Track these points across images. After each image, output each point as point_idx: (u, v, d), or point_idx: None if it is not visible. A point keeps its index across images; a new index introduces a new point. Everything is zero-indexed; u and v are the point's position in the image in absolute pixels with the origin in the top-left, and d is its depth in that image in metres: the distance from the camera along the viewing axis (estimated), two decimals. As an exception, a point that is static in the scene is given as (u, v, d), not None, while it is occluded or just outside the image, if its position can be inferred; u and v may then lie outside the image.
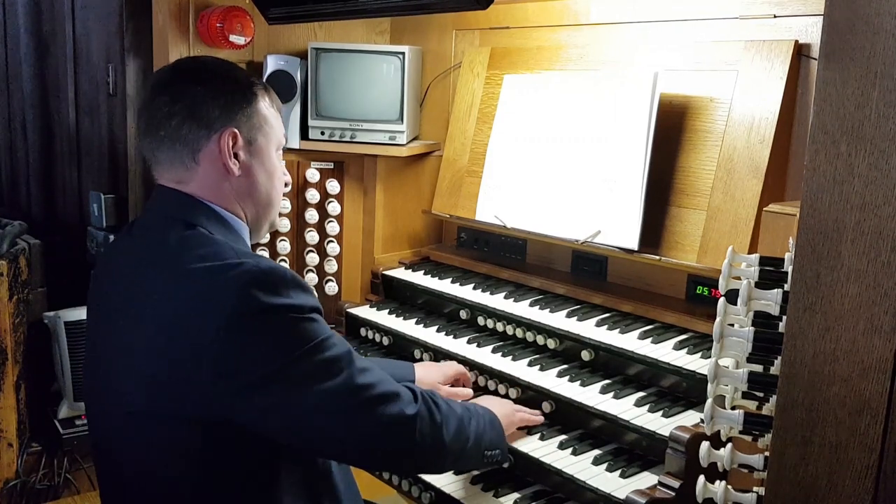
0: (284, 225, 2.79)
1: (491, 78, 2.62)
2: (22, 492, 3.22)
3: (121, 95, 3.44)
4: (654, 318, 2.14)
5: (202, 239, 1.49)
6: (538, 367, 2.11)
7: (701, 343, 1.99)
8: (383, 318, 2.56)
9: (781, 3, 1.99)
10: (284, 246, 2.78)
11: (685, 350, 1.97)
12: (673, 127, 2.14)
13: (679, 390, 1.95)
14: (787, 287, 1.20)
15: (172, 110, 1.54)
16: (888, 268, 0.96)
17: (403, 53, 2.67)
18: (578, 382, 2.01)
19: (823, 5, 1.00)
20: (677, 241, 2.09)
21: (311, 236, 2.82)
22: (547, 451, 1.89)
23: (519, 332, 2.26)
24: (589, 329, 2.12)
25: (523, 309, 2.28)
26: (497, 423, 1.81)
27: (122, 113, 3.44)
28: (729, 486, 1.36)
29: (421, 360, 2.35)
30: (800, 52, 1.97)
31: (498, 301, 2.36)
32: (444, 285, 2.52)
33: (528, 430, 1.98)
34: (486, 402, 1.92)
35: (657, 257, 2.10)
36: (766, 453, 1.25)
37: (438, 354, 2.31)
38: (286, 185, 1.75)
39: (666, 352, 1.98)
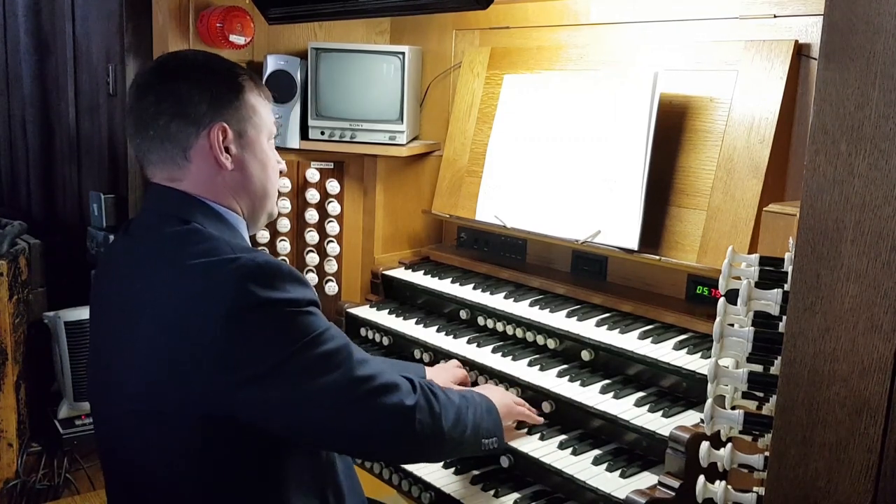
0: (284, 225, 2.79)
1: (491, 78, 2.62)
2: (22, 492, 3.22)
3: (121, 95, 3.44)
4: (654, 318, 2.14)
5: (198, 235, 1.49)
6: (538, 367, 2.11)
7: (701, 343, 1.99)
8: (383, 318, 2.56)
9: (781, 3, 1.99)
10: (284, 246, 2.78)
11: (685, 350, 1.97)
12: (673, 127, 2.14)
13: (679, 390, 1.95)
14: (787, 287, 1.20)
15: (159, 109, 1.53)
16: (888, 268, 0.96)
17: (403, 53, 2.67)
18: (578, 382, 2.01)
19: (823, 5, 1.00)
20: (677, 241, 2.09)
21: (311, 236, 2.82)
22: (547, 451, 1.90)
23: (519, 332, 2.26)
24: (589, 329, 2.12)
25: (523, 309, 2.28)
26: (494, 411, 1.82)
27: (122, 113, 3.43)
28: (729, 486, 1.36)
29: (421, 360, 2.35)
30: (800, 52, 1.97)
31: (498, 301, 2.36)
32: (444, 285, 2.53)
33: (529, 429, 1.98)
34: (486, 391, 1.93)
35: (657, 257, 2.10)
36: (766, 453, 1.25)
37: (438, 354, 2.31)
38: (281, 172, 1.73)
39: (666, 352, 1.98)
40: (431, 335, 2.38)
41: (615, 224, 2.15)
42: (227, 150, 1.57)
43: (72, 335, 3.26)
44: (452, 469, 1.96)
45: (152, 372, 1.43)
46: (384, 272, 2.71)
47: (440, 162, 2.75)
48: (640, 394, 1.95)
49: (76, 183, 3.96)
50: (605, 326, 2.12)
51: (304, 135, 2.77)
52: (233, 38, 2.56)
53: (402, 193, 2.88)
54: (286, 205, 2.78)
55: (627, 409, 1.88)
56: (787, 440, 1.08)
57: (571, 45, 2.44)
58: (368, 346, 2.55)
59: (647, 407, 1.87)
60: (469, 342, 2.30)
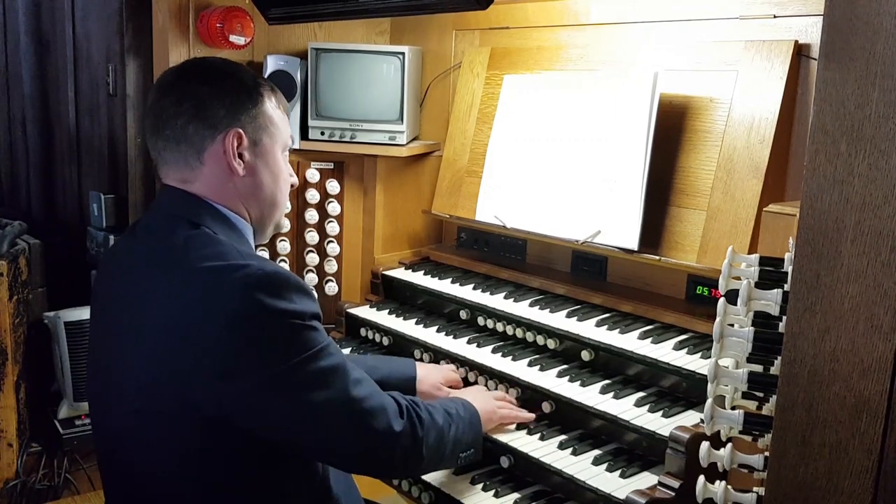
0: (284, 225, 2.79)
1: (491, 78, 2.61)
2: (22, 492, 3.22)
3: (121, 95, 3.44)
4: (653, 319, 2.14)
5: (207, 239, 1.50)
6: (538, 367, 2.11)
7: (701, 343, 1.99)
8: (383, 318, 2.56)
9: (781, 3, 1.99)
10: (284, 246, 2.79)
11: (685, 350, 1.97)
12: (673, 127, 2.14)
13: (679, 390, 1.95)
14: (787, 287, 1.20)
15: (178, 110, 1.55)
16: (888, 268, 0.96)
17: (403, 53, 2.67)
18: (578, 382, 2.01)
19: (823, 5, 1.00)
20: (677, 241, 2.09)
21: (311, 236, 2.82)
22: (547, 451, 1.89)
23: (519, 333, 2.26)
24: (589, 329, 2.12)
25: (523, 309, 2.28)
26: (476, 422, 1.84)
27: (122, 113, 3.43)
28: (729, 487, 1.36)
29: (421, 360, 2.35)
30: (800, 52, 1.97)
31: (498, 301, 2.36)
32: (444, 285, 2.52)
33: (528, 429, 1.98)
34: (471, 394, 1.95)
35: (657, 257, 2.10)
36: (766, 453, 1.25)
37: (438, 355, 2.31)
38: (292, 185, 1.75)
39: (666, 352, 1.98)
40: (431, 335, 2.38)
41: (615, 224, 2.14)
42: (240, 156, 1.58)
43: (72, 335, 3.26)
44: (452, 469, 1.96)
45: (153, 372, 1.44)
46: (384, 272, 2.71)
47: (440, 162, 2.75)
48: (640, 394, 1.95)
49: (76, 183, 3.96)
50: (605, 326, 2.12)
51: (304, 135, 2.77)
52: (233, 38, 2.56)
53: (402, 193, 2.88)
54: (286, 205, 2.78)
55: (627, 409, 1.88)
56: (787, 440, 1.08)
57: (571, 45, 2.44)
58: (368, 346, 2.55)
59: (647, 407, 1.87)
60: (469, 342, 2.30)
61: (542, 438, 1.94)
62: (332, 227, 2.85)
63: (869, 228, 0.97)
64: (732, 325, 1.35)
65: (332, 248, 2.85)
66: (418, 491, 1.97)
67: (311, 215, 2.81)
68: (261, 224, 1.68)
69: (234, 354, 1.39)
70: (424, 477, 1.95)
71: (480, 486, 1.89)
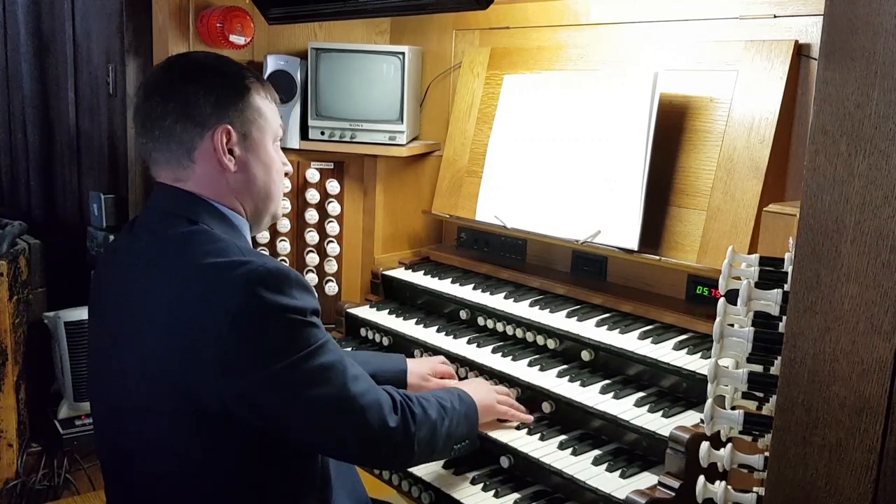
0: (284, 225, 2.79)
1: (491, 78, 2.61)
2: (22, 492, 3.22)
3: (121, 95, 3.44)
4: (653, 319, 2.14)
5: (206, 236, 1.50)
6: (538, 367, 2.11)
7: (701, 343, 1.99)
8: (383, 318, 2.55)
9: (781, 3, 1.99)
10: (284, 246, 2.79)
11: (685, 350, 1.97)
12: (673, 127, 2.14)
13: (679, 390, 1.95)
14: (787, 287, 1.20)
15: (165, 110, 1.54)
16: (888, 268, 0.96)
17: (403, 53, 2.67)
18: (578, 382, 2.01)
19: (823, 5, 1.00)
20: (677, 241, 2.09)
21: (311, 236, 2.82)
22: (547, 451, 1.89)
23: (519, 333, 2.26)
24: (589, 329, 2.12)
25: (523, 309, 2.28)
26: (472, 414, 1.85)
27: (122, 113, 3.43)
28: (729, 487, 1.36)
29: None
30: (800, 52, 1.97)
31: (498, 301, 2.36)
32: (444, 285, 2.52)
33: (528, 430, 1.98)
34: (472, 386, 1.96)
35: (657, 257, 2.10)
36: (766, 453, 1.25)
37: (438, 355, 2.31)
38: (286, 174, 1.74)
39: (666, 352, 1.98)
40: (431, 335, 2.38)
41: (615, 224, 2.14)
42: (230, 152, 1.57)
43: (72, 335, 3.26)
44: (452, 469, 1.96)
45: (154, 369, 1.44)
46: (384, 272, 2.71)
47: (440, 162, 2.74)
48: (640, 394, 1.95)
49: (76, 183, 3.96)
50: (605, 327, 2.12)
51: (304, 135, 2.77)
52: (233, 38, 2.56)
53: (402, 193, 2.88)
54: (286, 205, 2.78)
55: (627, 409, 1.88)
56: (787, 440, 1.08)
57: (572, 46, 2.44)
58: (368, 346, 2.55)
59: (647, 407, 1.87)
60: (469, 342, 2.30)
61: (542, 438, 1.94)
62: (332, 227, 2.85)
63: (869, 228, 0.97)
64: (732, 326, 1.35)
65: (332, 248, 2.85)
66: (418, 491, 1.97)
67: (311, 215, 2.81)
68: (256, 217, 1.67)
69: (235, 350, 1.39)
70: (425, 477, 1.95)
71: (480, 486, 1.89)
